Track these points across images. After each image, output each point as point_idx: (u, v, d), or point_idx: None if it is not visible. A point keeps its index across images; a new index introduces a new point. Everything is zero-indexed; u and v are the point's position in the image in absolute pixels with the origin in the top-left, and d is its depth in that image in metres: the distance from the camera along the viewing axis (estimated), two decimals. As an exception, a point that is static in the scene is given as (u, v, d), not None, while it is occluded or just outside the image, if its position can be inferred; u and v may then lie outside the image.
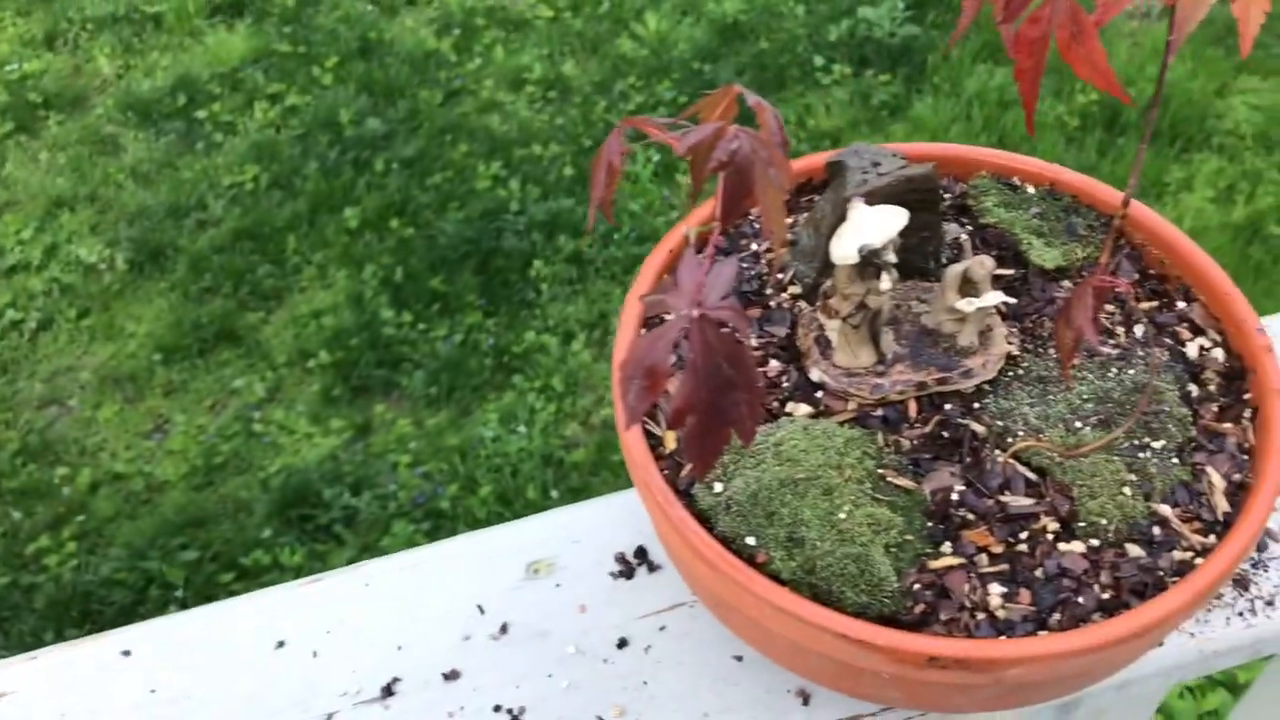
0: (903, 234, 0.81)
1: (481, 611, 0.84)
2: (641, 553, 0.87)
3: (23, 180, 3.40)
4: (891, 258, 0.74)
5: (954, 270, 0.77)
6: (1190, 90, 3.52)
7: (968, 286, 0.77)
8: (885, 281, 0.74)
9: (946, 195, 0.91)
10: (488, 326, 3.07)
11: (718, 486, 0.74)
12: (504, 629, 0.83)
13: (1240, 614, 0.82)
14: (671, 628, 0.84)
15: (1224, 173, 3.38)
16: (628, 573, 0.85)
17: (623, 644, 0.83)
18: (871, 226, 0.73)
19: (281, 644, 0.84)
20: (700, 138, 0.59)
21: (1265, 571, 0.85)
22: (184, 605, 2.60)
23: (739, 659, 0.82)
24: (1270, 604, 0.83)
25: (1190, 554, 0.72)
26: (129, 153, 3.46)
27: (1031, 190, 0.91)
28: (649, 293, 0.84)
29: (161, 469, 2.86)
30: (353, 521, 2.75)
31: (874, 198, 0.77)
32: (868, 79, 3.67)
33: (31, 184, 3.38)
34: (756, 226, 0.90)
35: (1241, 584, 0.84)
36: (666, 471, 0.76)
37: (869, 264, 0.74)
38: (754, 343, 0.82)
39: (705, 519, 0.74)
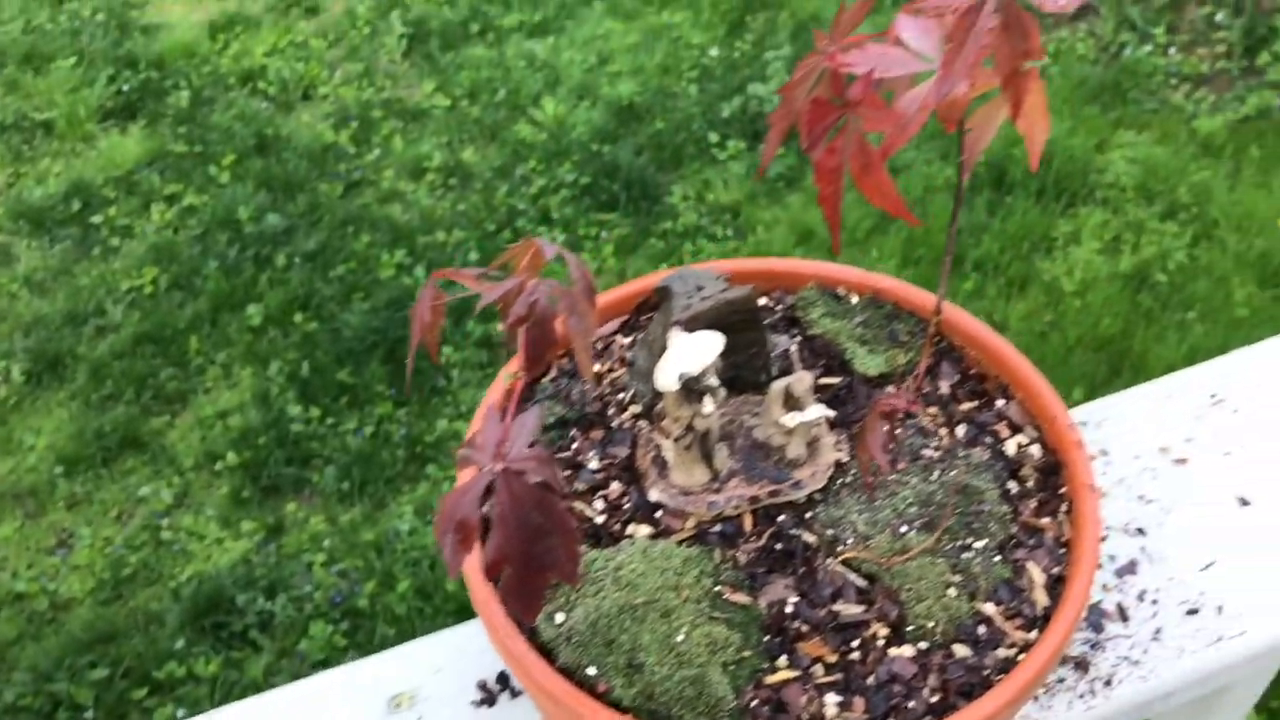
0: (731, 351, 0.84)
1: (342, 752, 0.85)
2: (504, 678, 0.88)
3: (-87, 297, 3.36)
4: (713, 381, 0.77)
5: (776, 387, 0.80)
6: (1071, 146, 3.62)
7: (792, 401, 0.80)
8: (708, 405, 0.76)
9: (777, 308, 0.95)
10: (398, 416, 3.07)
11: (559, 617, 0.75)
12: (365, 768, 0.84)
13: (1081, 696, 0.85)
14: (534, 753, 0.85)
15: (1109, 225, 3.47)
16: (489, 700, 0.86)
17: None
18: (689, 354, 0.76)
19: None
20: (503, 291, 0.62)
21: (1103, 652, 0.88)
22: (94, 726, 2.56)
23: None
24: (1108, 684, 0.86)
25: (1014, 650, 0.74)
26: (22, 262, 3.44)
27: (855, 300, 0.94)
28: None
29: (66, 585, 2.81)
30: (269, 626, 2.72)
31: (698, 321, 0.80)
32: (760, 152, 3.73)
33: (-78, 300, 3.35)
34: (598, 347, 0.92)
35: (1081, 666, 0.87)
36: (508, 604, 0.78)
37: (691, 389, 0.76)
38: (595, 464, 0.84)
39: (548, 650, 0.75)
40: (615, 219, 3.55)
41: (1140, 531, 0.94)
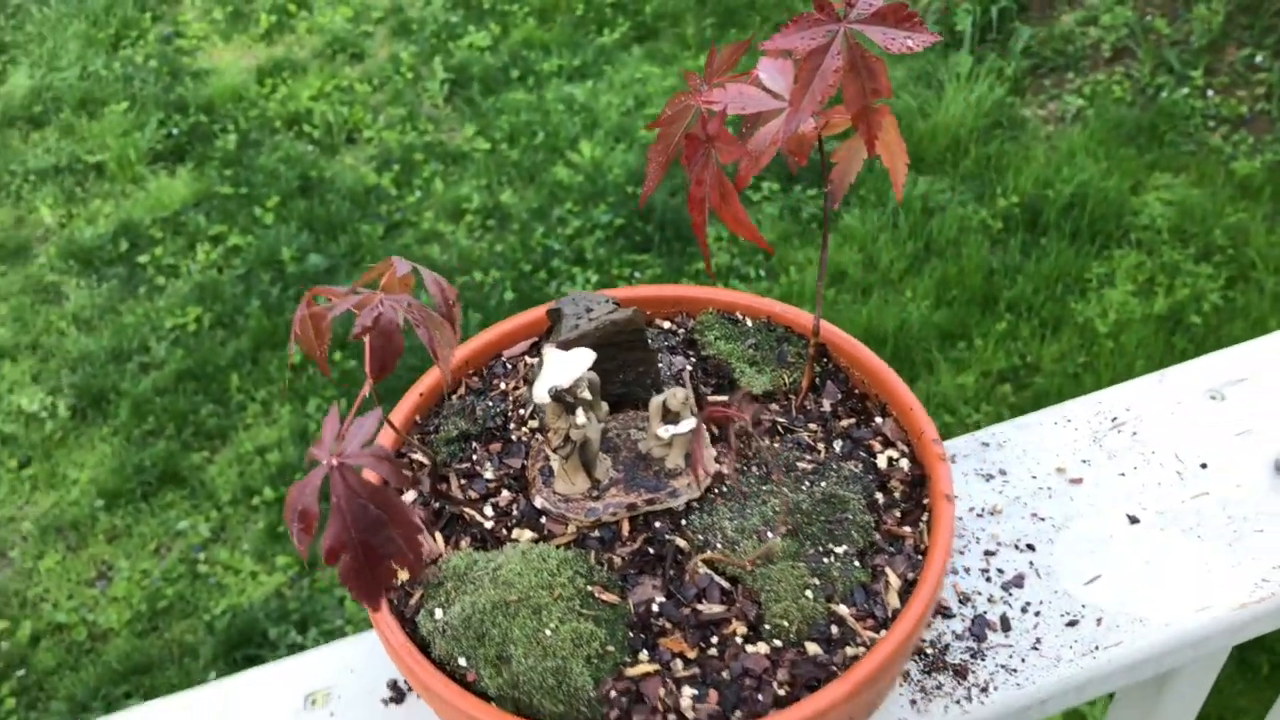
0: (621, 370, 0.90)
1: (254, 745, 0.91)
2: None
3: (-36, 333, 3.49)
4: (586, 394, 0.82)
5: (655, 401, 0.85)
6: (1106, 188, 3.62)
7: (670, 415, 0.85)
8: (580, 416, 0.82)
9: (679, 331, 1.00)
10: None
11: (438, 613, 0.81)
12: (274, 761, 0.90)
13: (958, 701, 0.89)
14: (435, 751, 0.90)
15: (1143, 267, 3.47)
16: (399, 698, 0.91)
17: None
18: (560, 368, 0.81)
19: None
20: (350, 305, 0.68)
21: (983, 661, 0.91)
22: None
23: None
24: (985, 690, 0.89)
25: (862, 649, 0.79)
26: (71, 300, 3.56)
27: (750, 324, 0.99)
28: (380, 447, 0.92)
29: (105, 617, 2.88)
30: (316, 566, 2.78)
31: (584, 341, 0.85)
32: (796, 194, 3.78)
33: (-26, 336, 3.48)
34: (508, 367, 0.98)
35: (960, 673, 0.90)
36: (395, 602, 0.83)
37: (564, 401, 0.82)
38: (490, 474, 0.90)
39: (425, 644, 0.81)
40: (649, 260, 3.60)
41: (1030, 547, 0.98)
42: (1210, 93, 3.95)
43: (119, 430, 3.22)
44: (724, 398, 0.92)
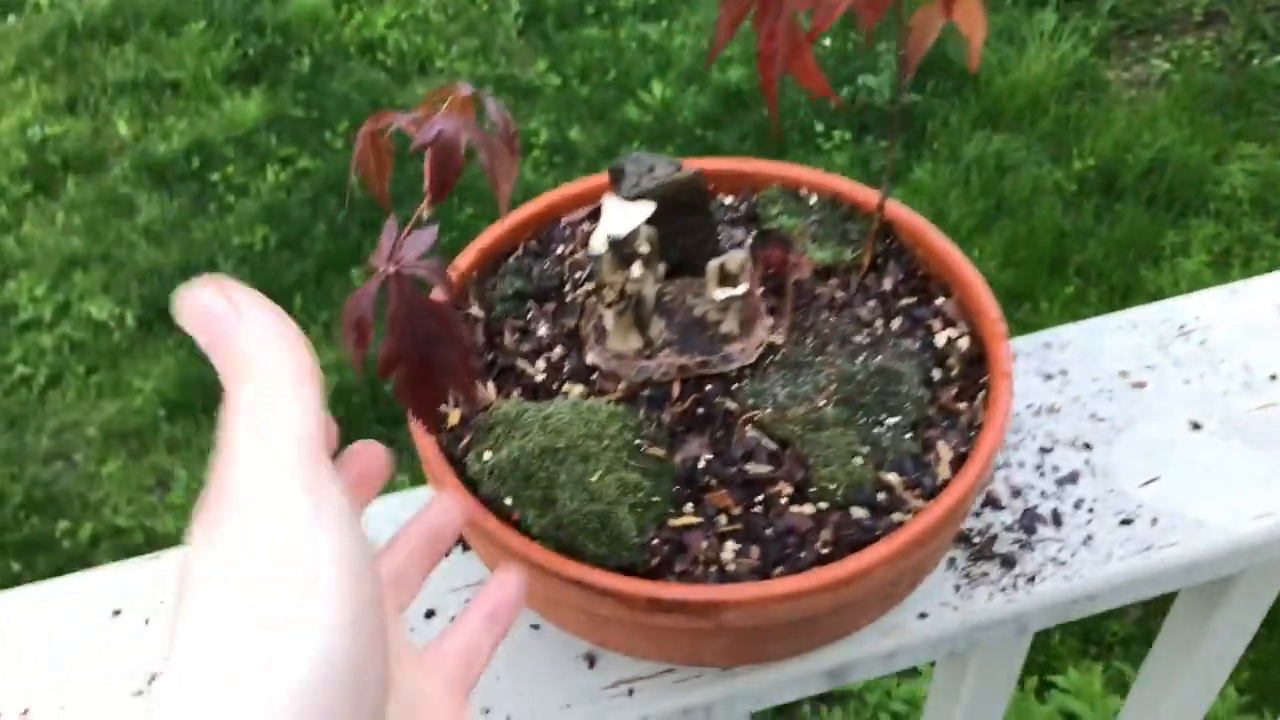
0: (680, 234, 0.89)
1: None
2: (460, 537, 0.94)
3: (38, 240, 3.54)
4: (644, 248, 0.81)
5: (712, 264, 0.84)
6: (1187, 156, 3.56)
7: (728, 279, 0.84)
8: (636, 269, 0.81)
9: (741, 206, 0.99)
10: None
11: (487, 455, 0.81)
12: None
13: (1003, 589, 0.87)
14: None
15: (1220, 238, 3.41)
16: (463, 544, 0.93)
17: (430, 614, 0.89)
18: (618, 218, 0.80)
19: (118, 612, 0.92)
20: (411, 119, 0.67)
21: (1031, 552, 0.90)
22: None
23: (535, 627, 0.88)
24: (1031, 580, 0.88)
25: (909, 516, 0.77)
26: (143, 213, 3.60)
27: (815, 200, 0.98)
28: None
29: (162, 523, 2.94)
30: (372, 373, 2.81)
31: (646, 198, 0.84)
32: (868, 145, 3.74)
33: (47, 243, 3.52)
34: (567, 232, 0.97)
35: (1008, 563, 0.89)
36: (445, 442, 0.83)
37: (622, 253, 0.81)
38: (543, 331, 0.89)
39: (473, 483, 0.81)
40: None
41: (1087, 446, 0.96)
42: (1302, 61, 3.87)
43: (183, 344, 3.26)
44: (834, 280, 0.91)
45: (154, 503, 3.01)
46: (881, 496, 0.79)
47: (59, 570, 2.81)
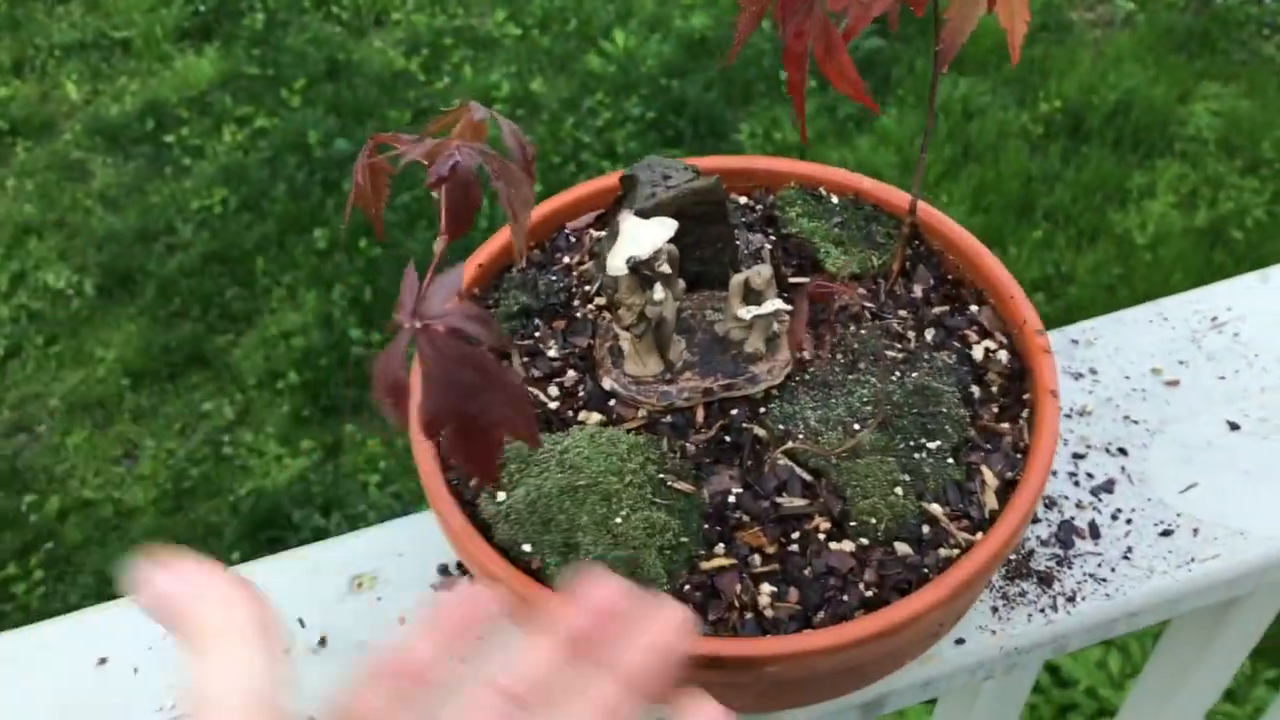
0: (698, 246, 0.83)
1: (302, 625, 0.86)
2: (464, 564, 0.89)
3: (-10, 208, 3.44)
4: (665, 268, 0.76)
5: (736, 280, 0.79)
6: (1152, 96, 3.53)
7: (752, 295, 0.79)
8: (658, 291, 0.76)
9: (757, 207, 0.93)
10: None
11: (501, 495, 0.76)
12: (323, 642, 0.85)
13: (1042, 610, 0.84)
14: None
15: (1186, 179, 3.39)
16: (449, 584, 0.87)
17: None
18: (639, 238, 0.75)
19: (104, 661, 0.86)
20: (425, 150, 0.61)
21: (1069, 569, 0.86)
22: (152, 629, 2.63)
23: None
24: (1071, 600, 0.84)
25: (956, 551, 0.73)
26: (97, 178, 3.50)
27: (835, 200, 0.93)
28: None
29: (131, 494, 2.88)
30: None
31: (661, 210, 0.79)
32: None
33: (-1, 211, 3.43)
34: (572, 239, 0.92)
35: (1046, 581, 0.85)
36: (455, 482, 0.78)
37: (642, 275, 0.76)
38: (554, 352, 0.84)
39: (487, 527, 0.75)
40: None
41: (1122, 451, 0.92)
42: None
43: (145, 310, 3.18)
44: (808, 281, 0.85)
45: (122, 474, 2.95)
46: (926, 530, 0.74)
47: (27, 546, 2.76)
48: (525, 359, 0.84)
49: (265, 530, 2.79)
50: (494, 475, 0.62)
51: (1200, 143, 3.46)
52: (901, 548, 0.74)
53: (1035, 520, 0.89)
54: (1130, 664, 2.19)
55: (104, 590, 2.70)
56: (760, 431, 0.78)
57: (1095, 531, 0.88)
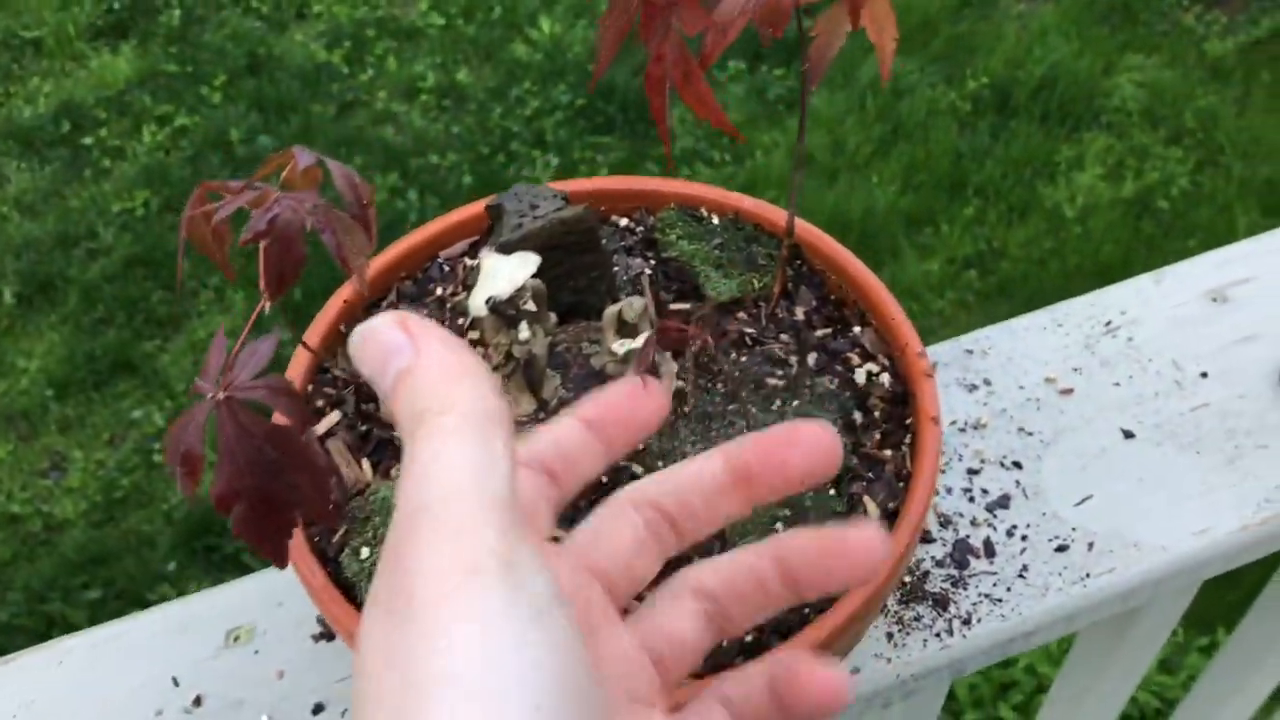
0: (570, 275, 0.81)
1: (176, 684, 0.83)
2: (328, 624, 0.86)
3: (-98, 218, 3.37)
4: (530, 305, 0.74)
5: (609, 313, 0.76)
6: (1077, 70, 3.53)
7: (626, 327, 0.77)
8: (524, 331, 0.73)
9: (637, 229, 0.91)
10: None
11: (364, 552, 0.73)
12: (198, 701, 0.82)
13: (938, 635, 0.82)
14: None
15: (1113, 150, 3.40)
16: (329, 635, 0.84)
17: (319, 709, 0.81)
18: (499, 276, 0.72)
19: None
20: (241, 203, 0.59)
21: (965, 590, 0.84)
22: (81, 642, 2.59)
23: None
24: (967, 623, 0.82)
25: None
26: (12, 183, 3.43)
27: (716, 221, 0.90)
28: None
29: (60, 507, 2.83)
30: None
31: (529, 241, 0.76)
32: (763, 74, 3.67)
33: (-88, 221, 3.35)
34: (445, 269, 0.89)
35: (941, 604, 0.83)
36: (317, 537, 0.75)
37: (505, 315, 0.73)
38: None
39: (351, 587, 0.73)
40: (611, 142, 3.50)
41: (1017, 465, 0.90)
42: (1186, -30, 3.86)
43: (68, 318, 3.12)
44: (684, 307, 0.83)
45: (49, 486, 2.90)
46: (807, 567, 0.72)
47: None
48: (395, 401, 0.81)
49: (200, 538, 2.75)
50: (285, 559, 0.59)
51: (1125, 114, 3.47)
52: (781, 588, 0.72)
53: (930, 540, 0.87)
54: (1069, 638, 2.20)
55: (34, 607, 2.65)
56: (638, 470, 0.76)
57: (990, 550, 0.86)
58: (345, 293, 0.85)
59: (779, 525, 0.73)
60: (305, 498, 0.55)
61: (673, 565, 0.52)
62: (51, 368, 3.04)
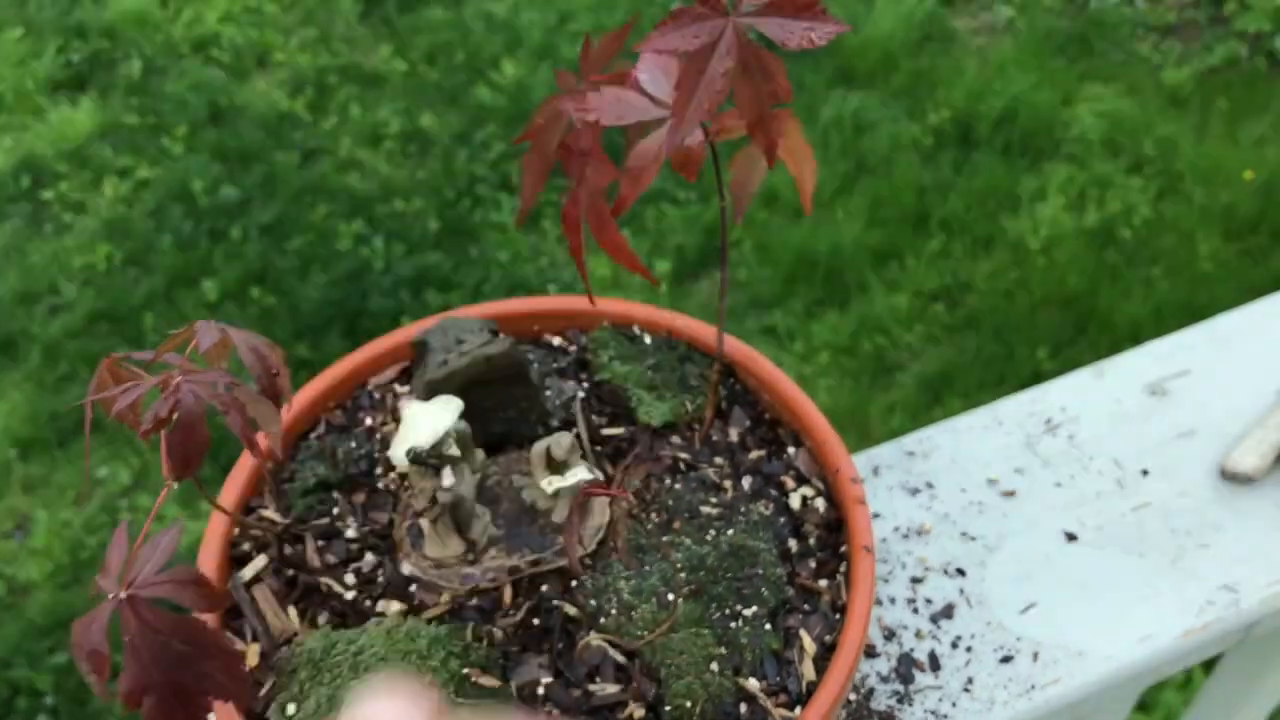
0: (500, 407, 0.80)
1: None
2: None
3: None
4: (453, 450, 0.73)
5: (537, 449, 0.76)
6: (1037, 102, 3.55)
7: (555, 464, 0.76)
8: (447, 478, 0.72)
9: (571, 348, 0.90)
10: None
11: (291, 708, 0.71)
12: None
13: (884, 756, 0.82)
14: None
15: (1074, 180, 3.41)
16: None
17: None
18: (420, 426, 0.72)
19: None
20: (138, 394, 0.58)
21: (911, 705, 0.84)
22: (55, 713, 2.55)
23: None
24: (914, 741, 0.82)
25: (775, 732, 0.70)
26: (-28, 241, 3.40)
27: (649, 340, 0.89)
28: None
29: (25, 570, 2.79)
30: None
31: (454, 380, 0.75)
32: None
33: None
34: (375, 398, 0.88)
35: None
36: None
37: (425, 463, 0.72)
38: (352, 532, 0.80)
39: (279, 745, 0.71)
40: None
41: (960, 572, 0.90)
42: (1139, 1, 3.87)
43: (30, 376, 3.09)
44: (617, 432, 0.82)
45: (14, 548, 2.87)
46: (744, 709, 0.71)
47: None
48: (320, 542, 0.80)
49: (168, 597, 2.72)
50: None
51: (1086, 144, 3.48)
52: (717, 732, 0.71)
53: (874, 655, 0.86)
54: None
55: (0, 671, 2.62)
56: (571, 609, 0.75)
57: (935, 663, 0.86)
58: (250, 460, 0.84)
59: (714, 665, 0.72)
60: (217, 684, 0.55)
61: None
62: (14, 426, 3.01)
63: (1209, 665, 1.24)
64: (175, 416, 0.56)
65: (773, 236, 3.27)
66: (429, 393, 0.75)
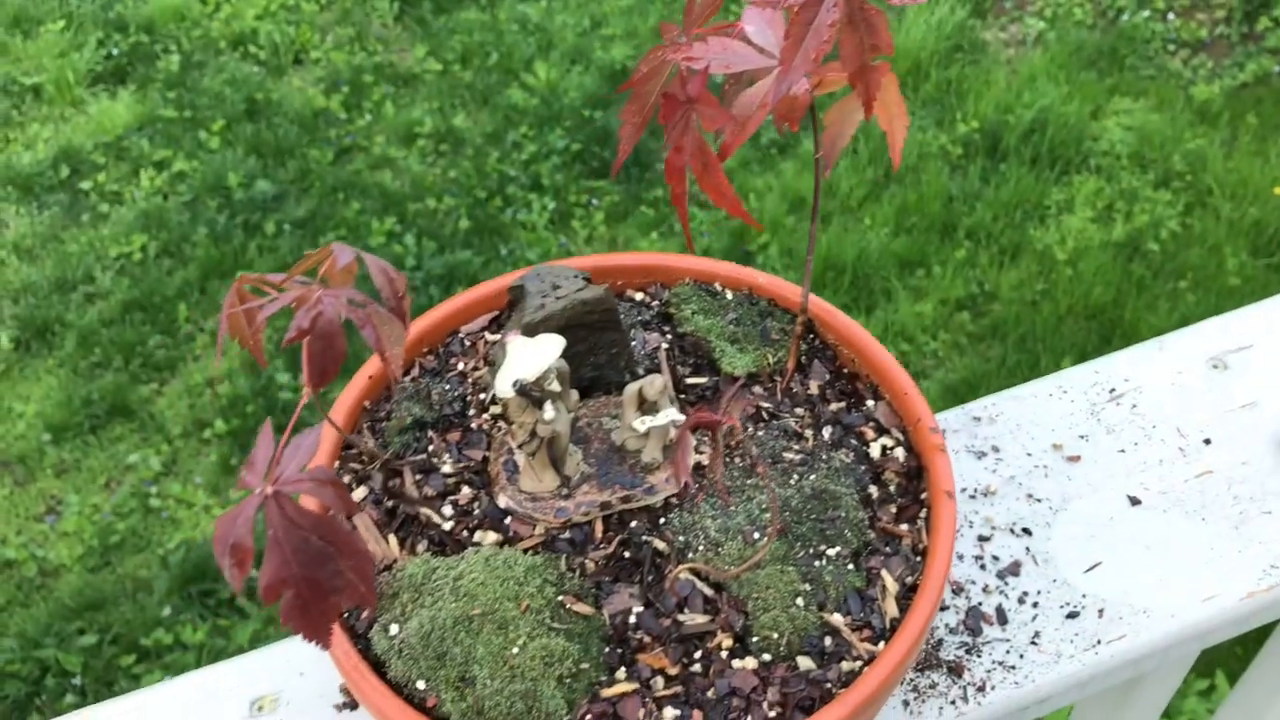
0: (591, 352, 0.83)
1: (203, 755, 0.84)
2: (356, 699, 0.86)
3: (-100, 264, 3.37)
4: (555, 386, 0.75)
5: (630, 390, 0.78)
6: (1066, 114, 3.57)
7: (646, 404, 0.78)
8: (549, 411, 0.75)
9: (652, 304, 0.93)
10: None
11: (394, 629, 0.74)
12: (226, 771, 0.83)
13: (953, 702, 0.84)
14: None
15: (1102, 193, 3.43)
16: (352, 704, 0.85)
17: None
18: (525, 359, 0.74)
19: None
20: (286, 302, 0.60)
21: (979, 657, 0.86)
22: (82, 694, 2.57)
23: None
24: (981, 690, 0.84)
25: (859, 663, 0.73)
26: (11, 228, 3.44)
27: (730, 296, 0.92)
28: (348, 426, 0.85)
29: (55, 552, 2.82)
30: (255, 594, 2.72)
31: (551, 322, 0.78)
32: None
33: (-90, 267, 3.36)
34: (466, 344, 0.90)
35: (955, 671, 0.85)
36: (347, 614, 0.76)
37: (530, 395, 0.75)
38: (448, 468, 0.83)
39: (380, 664, 0.74)
40: (606, 186, 3.52)
41: (1027, 531, 0.92)
42: (1170, 16, 3.89)
43: (65, 362, 3.12)
44: (701, 381, 0.85)
45: (46, 531, 2.89)
46: (829, 642, 0.74)
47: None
48: (418, 476, 0.82)
49: (197, 583, 2.74)
50: (329, 642, 0.61)
51: (1114, 157, 3.50)
52: (804, 663, 0.73)
53: (944, 608, 0.89)
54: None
55: (29, 653, 2.64)
56: (660, 544, 0.77)
57: (1003, 617, 0.88)
58: (370, 369, 0.87)
59: (799, 600, 0.75)
60: (348, 584, 0.57)
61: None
62: (48, 412, 3.04)
63: (1234, 671, 1.26)
64: (315, 327, 0.59)
65: (800, 241, 3.29)
66: (527, 334, 0.78)
